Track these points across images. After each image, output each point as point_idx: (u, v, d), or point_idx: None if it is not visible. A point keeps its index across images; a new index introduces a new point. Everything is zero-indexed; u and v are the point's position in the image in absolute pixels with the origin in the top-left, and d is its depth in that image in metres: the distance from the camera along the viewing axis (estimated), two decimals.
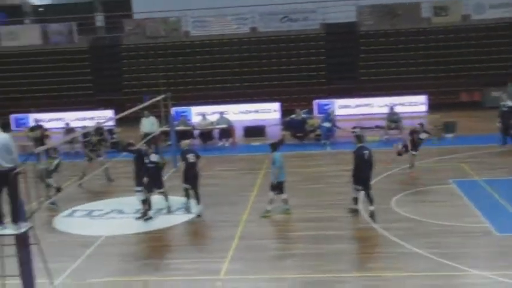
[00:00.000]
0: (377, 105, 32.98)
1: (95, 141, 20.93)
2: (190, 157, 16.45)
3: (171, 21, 38.44)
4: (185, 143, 17.34)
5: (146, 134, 24.10)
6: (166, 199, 16.66)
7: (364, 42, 37.15)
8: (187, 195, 16.67)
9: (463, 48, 35.66)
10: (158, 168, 16.43)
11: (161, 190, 16.55)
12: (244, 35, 37.85)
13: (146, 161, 16.13)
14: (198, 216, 16.35)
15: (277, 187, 15.89)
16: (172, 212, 16.74)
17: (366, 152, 15.53)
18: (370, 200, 15.45)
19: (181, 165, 16.79)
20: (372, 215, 15.30)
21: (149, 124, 24.73)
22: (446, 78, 34.74)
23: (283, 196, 16.03)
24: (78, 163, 21.11)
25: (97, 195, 19.37)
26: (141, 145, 17.24)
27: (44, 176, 17.23)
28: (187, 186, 16.54)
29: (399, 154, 19.55)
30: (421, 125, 20.16)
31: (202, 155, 23.61)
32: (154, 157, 16.31)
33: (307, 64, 36.78)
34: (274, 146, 16.16)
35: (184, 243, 14.86)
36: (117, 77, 38.21)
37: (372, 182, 17.95)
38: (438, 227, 14.51)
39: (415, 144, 19.45)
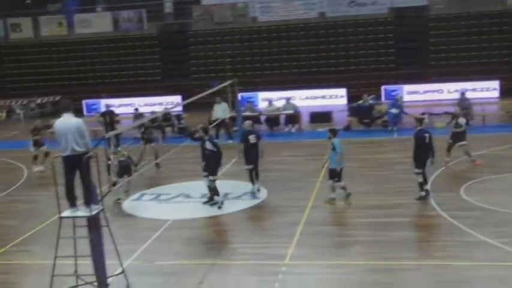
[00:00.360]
0: (447, 91, 32.27)
1: (147, 125, 21.08)
2: (252, 138, 16.86)
3: (238, 7, 38.56)
4: (247, 123, 17.72)
5: (217, 120, 24.39)
6: (216, 193, 16.14)
7: (434, 26, 36.27)
8: (251, 178, 17.02)
9: None
10: (213, 155, 15.98)
11: (212, 178, 15.99)
12: (312, 20, 37.55)
13: (204, 147, 16.23)
14: (258, 191, 17.00)
15: (338, 174, 15.64)
16: (239, 196, 16.97)
17: (426, 135, 15.43)
18: (425, 179, 15.56)
19: (242, 146, 17.11)
20: (427, 193, 15.55)
21: (221, 110, 25.00)
22: None
23: (342, 184, 15.82)
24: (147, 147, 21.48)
25: (164, 179, 19.64)
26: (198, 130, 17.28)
27: (121, 171, 17.26)
28: (249, 167, 16.92)
29: (449, 147, 18.72)
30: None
31: (269, 140, 23.80)
32: (208, 145, 15.96)
33: (375, 49, 36.27)
34: (334, 132, 15.82)
35: (250, 228, 14.93)
36: (185, 63, 38.66)
37: (442, 168, 17.75)
38: (509, 216, 14.10)
39: (458, 132, 18.62)
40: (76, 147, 10.76)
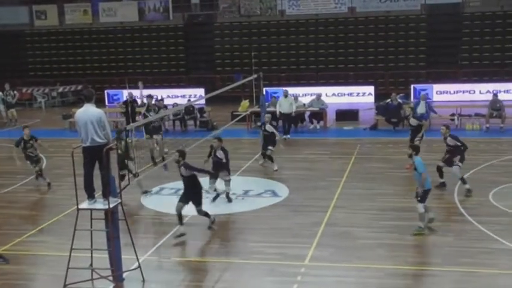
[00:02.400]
0: (478, 92, 31.64)
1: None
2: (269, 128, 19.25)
3: None
4: (268, 116, 20.03)
5: (283, 115, 23.90)
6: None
7: (468, 25, 35.56)
8: (264, 156, 19.32)
9: None
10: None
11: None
12: (342, 15, 37.02)
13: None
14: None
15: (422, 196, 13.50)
16: (260, 194, 16.68)
17: None
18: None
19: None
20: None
21: (287, 104, 24.48)
22: None
23: (421, 208, 13.45)
24: (168, 141, 21.26)
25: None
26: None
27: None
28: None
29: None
30: None
31: (293, 137, 23.50)
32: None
33: (406, 47, 35.70)
34: (416, 149, 14.00)
35: (270, 226, 14.60)
36: (210, 55, 38.41)
37: (470, 172, 17.46)
38: None
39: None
40: (96, 138, 10.78)
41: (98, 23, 40.25)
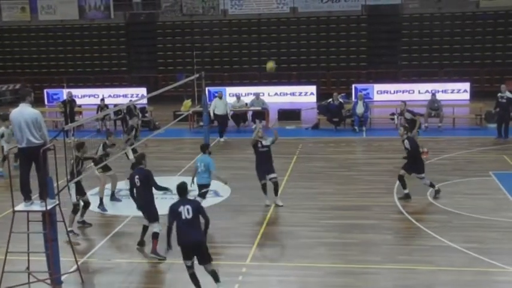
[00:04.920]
0: (418, 92, 32.27)
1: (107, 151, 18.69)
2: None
3: None
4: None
5: (218, 116, 23.60)
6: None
7: (407, 26, 36.22)
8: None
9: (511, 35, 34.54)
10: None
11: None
12: (284, 15, 37.20)
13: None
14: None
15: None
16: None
17: None
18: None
19: None
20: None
21: (223, 105, 24.19)
22: (492, 66, 33.87)
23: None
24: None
25: (125, 174, 19.02)
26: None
27: None
28: None
29: None
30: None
31: (236, 137, 23.38)
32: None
33: (347, 47, 36.11)
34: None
35: (211, 226, 14.43)
36: (152, 55, 38.07)
37: None
38: (475, 220, 13.97)
39: None
40: (32, 139, 10.56)
41: (36, 20, 39.32)
